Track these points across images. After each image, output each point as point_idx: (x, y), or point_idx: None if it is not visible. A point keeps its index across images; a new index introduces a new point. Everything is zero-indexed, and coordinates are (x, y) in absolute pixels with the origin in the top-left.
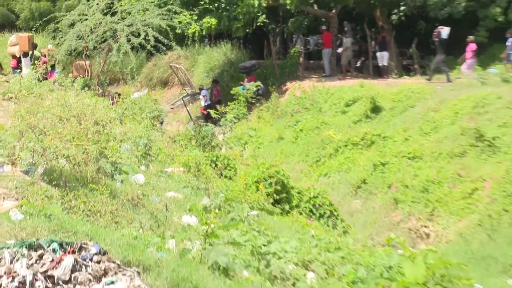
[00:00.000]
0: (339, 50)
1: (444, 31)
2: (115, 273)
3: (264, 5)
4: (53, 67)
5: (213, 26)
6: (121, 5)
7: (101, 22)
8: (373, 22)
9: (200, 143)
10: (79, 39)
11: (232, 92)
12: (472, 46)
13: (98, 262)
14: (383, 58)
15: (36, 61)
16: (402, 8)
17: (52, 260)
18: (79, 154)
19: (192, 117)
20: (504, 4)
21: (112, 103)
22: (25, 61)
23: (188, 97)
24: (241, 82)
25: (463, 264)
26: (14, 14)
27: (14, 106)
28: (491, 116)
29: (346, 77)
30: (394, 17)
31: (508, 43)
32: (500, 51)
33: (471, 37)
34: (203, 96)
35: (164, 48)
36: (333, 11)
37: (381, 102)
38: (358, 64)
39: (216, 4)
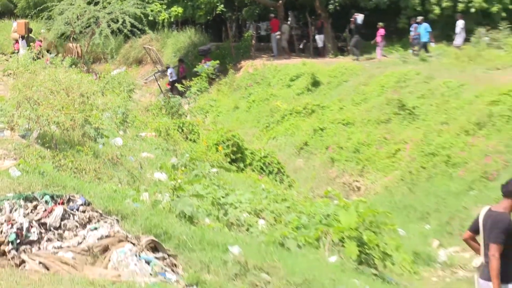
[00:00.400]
0: (277, 33)
1: (359, 17)
2: (98, 221)
3: None
4: (48, 51)
5: (179, 14)
6: None
7: (85, 10)
8: (313, 11)
9: (169, 112)
10: (67, 25)
11: (195, 69)
12: (381, 31)
13: (84, 211)
14: (320, 40)
15: (31, 43)
16: (335, 0)
17: (45, 210)
18: (68, 121)
19: (162, 90)
20: None
21: (96, 79)
22: (21, 43)
23: (159, 73)
24: (199, 63)
25: (388, 212)
26: (13, 3)
27: (13, 81)
28: (411, 89)
29: (290, 57)
30: (331, 6)
31: (411, 29)
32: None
33: (380, 24)
34: (170, 73)
35: (139, 32)
36: (280, 1)
37: (320, 77)
38: (301, 46)
39: None
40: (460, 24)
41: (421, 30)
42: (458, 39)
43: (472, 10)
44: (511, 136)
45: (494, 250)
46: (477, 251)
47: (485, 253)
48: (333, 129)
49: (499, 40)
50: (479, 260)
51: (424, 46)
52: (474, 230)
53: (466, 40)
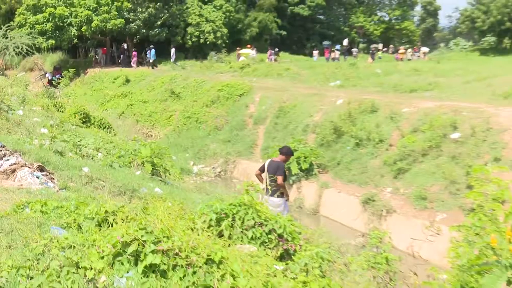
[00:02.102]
0: (100, 55)
1: (125, 45)
2: (9, 155)
3: (77, 34)
4: None
5: (53, 43)
6: (10, 34)
7: (1, 42)
8: (126, 42)
9: (48, 96)
10: None
11: (53, 78)
12: (135, 53)
13: (1, 150)
14: (122, 57)
15: None
16: (138, 36)
17: None
18: None
19: (44, 84)
20: (181, 34)
21: (7, 78)
22: None
23: (43, 75)
24: (55, 73)
25: (167, 147)
26: None
27: None
28: (178, 83)
29: (113, 67)
30: (135, 40)
31: (147, 53)
32: (180, 57)
33: (134, 49)
34: (47, 76)
35: (31, 53)
36: (107, 37)
37: (130, 77)
38: (119, 61)
39: (54, 34)
40: (172, 51)
41: (151, 53)
42: (173, 58)
43: (208, 42)
44: (228, 108)
45: (281, 180)
46: (261, 181)
47: (268, 183)
48: (137, 105)
49: (222, 59)
50: (262, 185)
51: (152, 63)
52: (261, 170)
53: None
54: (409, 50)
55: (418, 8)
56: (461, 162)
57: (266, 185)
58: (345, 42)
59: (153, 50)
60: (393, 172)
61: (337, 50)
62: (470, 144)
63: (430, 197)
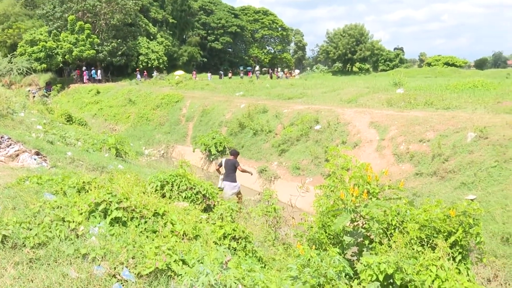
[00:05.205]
0: (74, 74)
1: (84, 68)
2: (14, 144)
3: (62, 60)
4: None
5: (45, 67)
6: (14, 60)
7: (7, 65)
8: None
9: (42, 103)
10: (0, 71)
11: (44, 92)
12: (85, 73)
13: (7, 141)
14: (96, 76)
15: None
16: (105, 62)
17: None
18: (1, 106)
19: (40, 95)
20: (135, 60)
21: (13, 91)
22: None
23: (38, 89)
24: (47, 87)
25: (126, 138)
26: None
27: None
28: (133, 94)
29: (88, 83)
30: (103, 64)
31: (94, 74)
32: (133, 77)
33: (84, 70)
34: (41, 90)
35: (30, 73)
36: (83, 63)
37: (100, 90)
38: (81, 78)
39: (45, 60)
40: (99, 72)
41: (93, 73)
42: (99, 76)
43: (154, 66)
44: (168, 110)
45: (241, 168)
46: (219, 173)
47: (226, 174)
48: (105, 109)
49: (164, 77)
50: (221, 175)
51: (94, 80)
52: (220, 165)
53: (151, 76)
54: (287, 71)
55: (292, 44)
56: (321, 144)
57: (224, 175)
58: (257, 67)
59: (93, 71)
60: (278, 151)
61: (250, 71)
62: (327, 133)
63: (302, 167)
